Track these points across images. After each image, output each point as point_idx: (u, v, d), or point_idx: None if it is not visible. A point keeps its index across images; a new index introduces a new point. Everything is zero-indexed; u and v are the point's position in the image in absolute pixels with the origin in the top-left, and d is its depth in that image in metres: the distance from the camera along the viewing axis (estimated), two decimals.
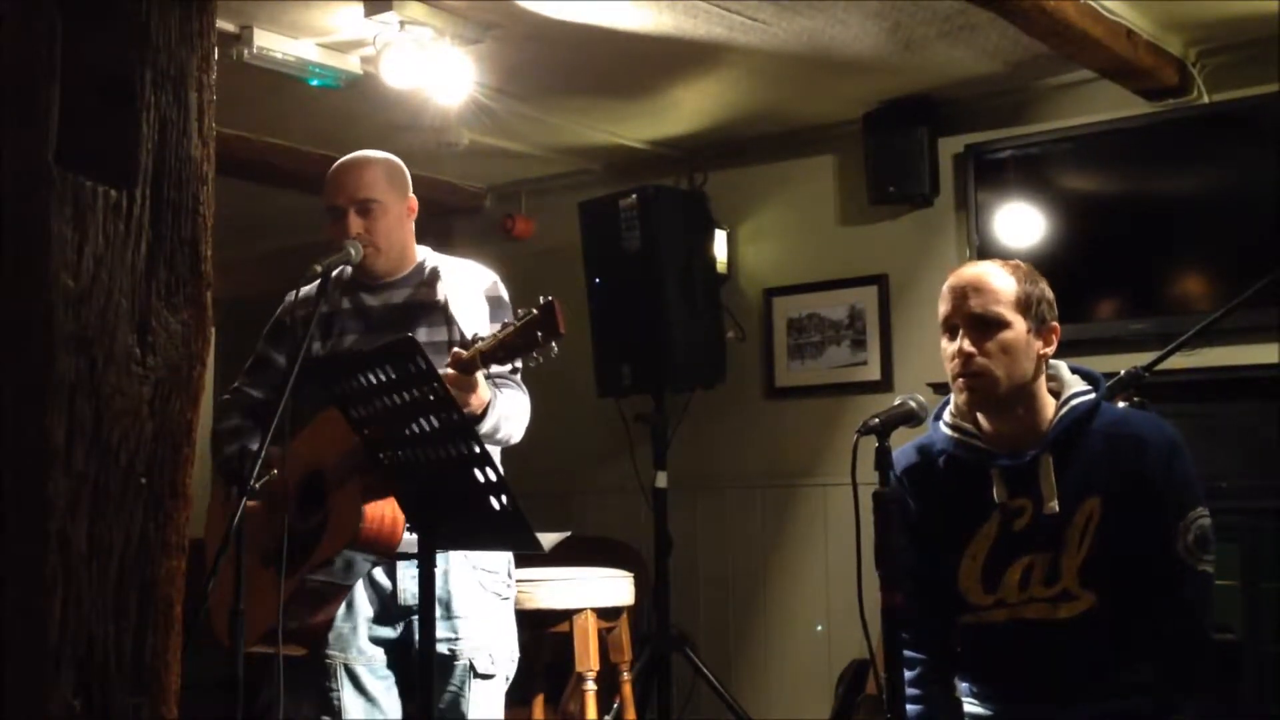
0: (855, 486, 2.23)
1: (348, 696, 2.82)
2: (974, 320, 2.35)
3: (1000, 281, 2.37)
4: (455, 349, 2.59)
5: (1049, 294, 2.41)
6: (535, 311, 2.47)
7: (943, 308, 2.40)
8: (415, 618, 2.80)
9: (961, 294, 2.38)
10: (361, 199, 2.85)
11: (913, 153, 4.70)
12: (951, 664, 2.47)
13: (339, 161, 2.94)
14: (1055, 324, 2.40)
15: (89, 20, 1.37)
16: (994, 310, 2.34)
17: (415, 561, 2.75)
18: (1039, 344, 2.37)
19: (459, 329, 2.83)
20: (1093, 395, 2.40)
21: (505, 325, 2.53)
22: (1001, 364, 2.33)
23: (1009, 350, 2.33)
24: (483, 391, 2.65)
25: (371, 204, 2.85)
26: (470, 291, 2.91)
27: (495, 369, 2.67)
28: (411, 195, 2.97)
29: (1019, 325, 2.35)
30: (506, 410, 2.78)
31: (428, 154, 4.95)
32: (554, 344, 2.47)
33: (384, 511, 2.65)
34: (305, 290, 2.91)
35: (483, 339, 2.57)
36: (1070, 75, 4.41)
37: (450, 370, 2.52)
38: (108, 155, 1.37)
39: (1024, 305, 2.36)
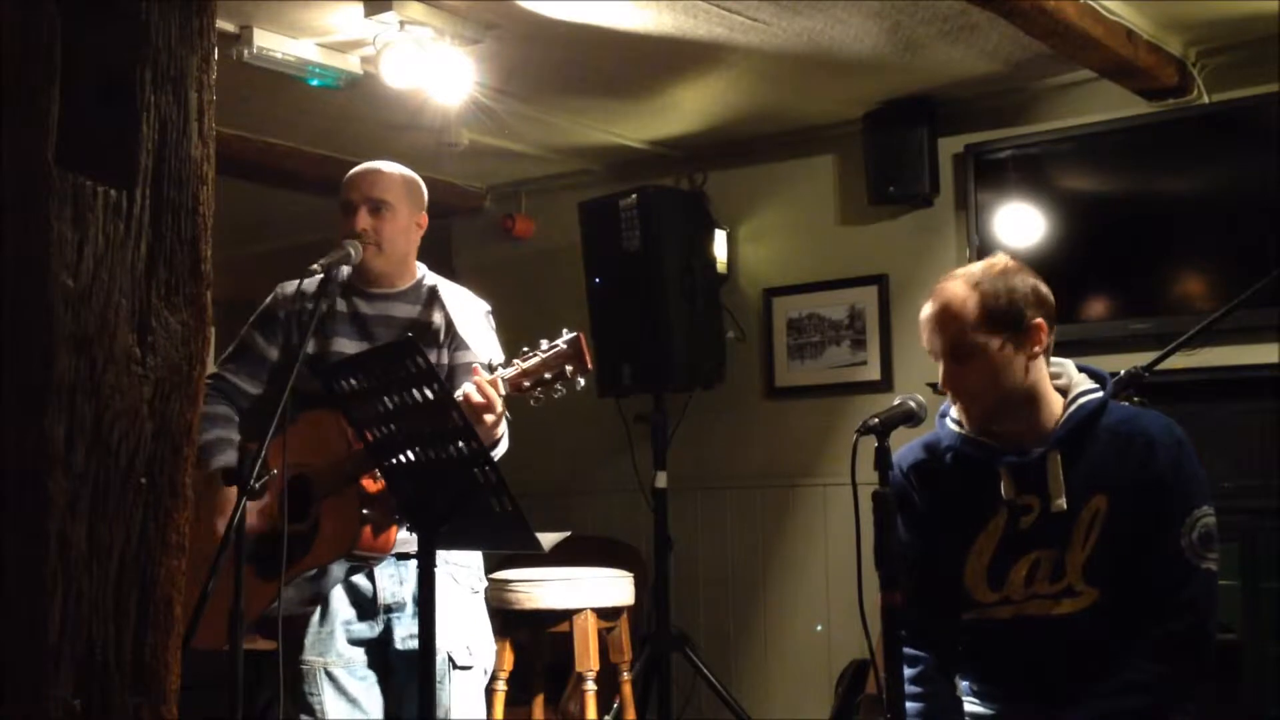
0: (855, 486, 2.23)
1: (328, 699, 2.83)
2: (949, 352, 2.35)
3: (963, 305, 2.33)
4: (476, 375, 2.61)
5: (1027, 289, 2.35)
6: (563, 345, 2.53)
7: (922, 334, 2.41)
8: (393, 615, 2.85)
9: (930, 328, 2.37)
10: (375, 198, 2.93)
11: (913, 153, 4.69)
12: (954, 663, 2.47)
13: (362, 164, 3.04)
14: (1039, 321, 2.35)
15: (89, 20, 1.37)
16: (962, 341, 2.33)
17: (394, 561, 2.82)
18: (1023, 349, 2.34)
19: (447, 352, 2.89)
20: (1100, 394, 2.40)
21: (527, 354, 2.58)
22: (986, 386, 2.34)
23: (989, 372, 2.33)
24: (502, 424, 2.70)
25: (383, 205, 2.93)
26: (474, 315, 2.97)
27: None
28: (424, 213, 3.05)
29: (992, 345, 2.32)
30: (504, 441, 2.83)
31: (428, 154, 4.95)
32: (580, 379, 2.53)
33: (378, 524, 2.67)
34: (299, 285, 2.91)
35: (501, 365, 2.61)
36: (1070, 75, 4.41)
37: (477, 398, 2.56)
38: (108, 155, 1.37)
39: (993, 320, 2.32)
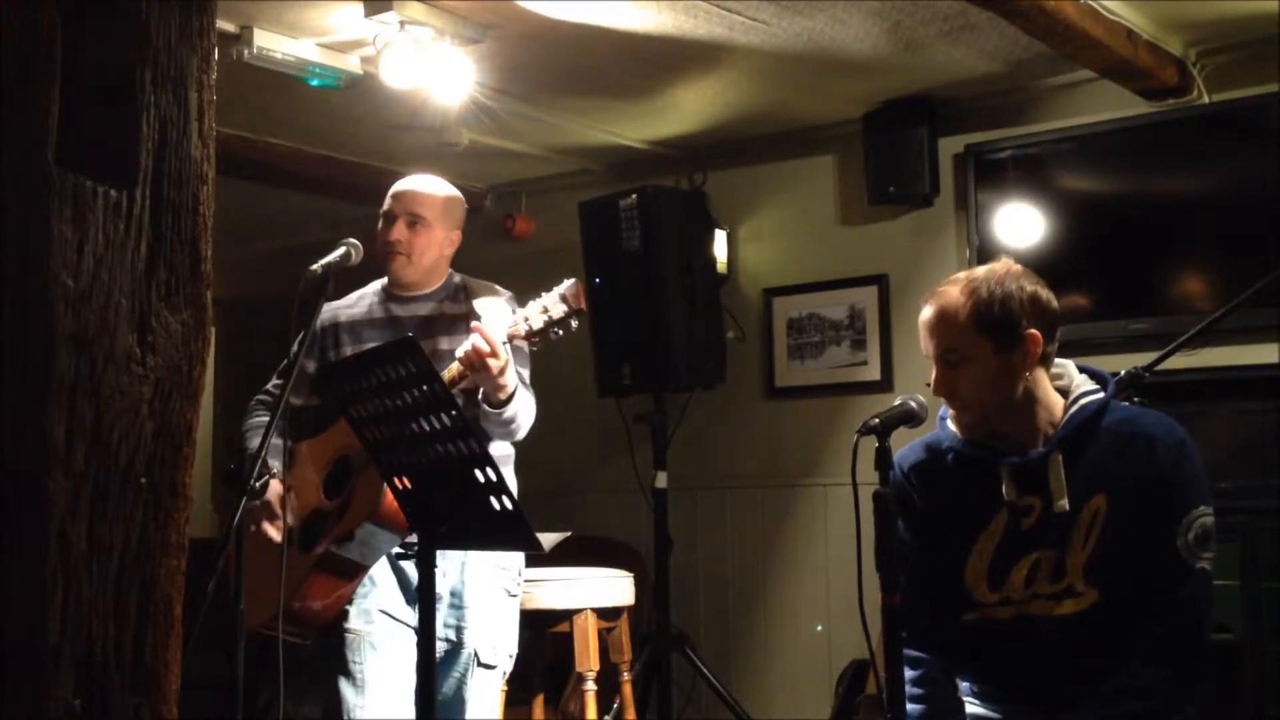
0: (855, 486, 2.23)
1: (370, 667, 2.92)
2: (940, 358, 2.35)
3: (953, 314, 2.33)
4: (475, 324, 2.77)
5: (1024, 298, 2.32)
6: (559, 291, 2.71)
7: (920, 338, 2.41)
8: (438, 606, 2.91)
9: (925, 332, 2.38)
10: (413, 212, 3.12)
11: (913, 153, 4.69)
12: (954, 664, 2.47)
13: (411, 176, 3.23)
14: (1032, 331, 2.32)
15: (89, 20, 1.37)
16: (952, 348, 2.33)
17: (442, 553, 2.90)
18: (1015, 358, 2.33)
19: None
20: (1101, 394, 2.39)
21: (528, 304, 2.75)
22: (974, 391, 2.33)
23: (977, 381, 2.33)
24: (510, 376, 2.81)
25: (419, 220, 3.12)
26: (497, 303, 3.09)
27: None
28: (458, 230, 3.22)
29: (981, 353, 2.31)
30: (523, 404, 2.93)
31: (428, 154, 4.95)
32: (574, 321, 2.70)
33: None
34: (337, 302, 3.15)
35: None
36: (1070, 75, 4.41)
37: (481, 345, 2.71)
38: (108, 155, 1.37)
39: (983, 327, 2.31)
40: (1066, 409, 2.38)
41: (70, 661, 1.30)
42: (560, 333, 2.73)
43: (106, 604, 1.33)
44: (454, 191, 3.24)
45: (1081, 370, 2.45)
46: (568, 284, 2.72)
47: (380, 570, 2.96)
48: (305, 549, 2.86)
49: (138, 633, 1.35)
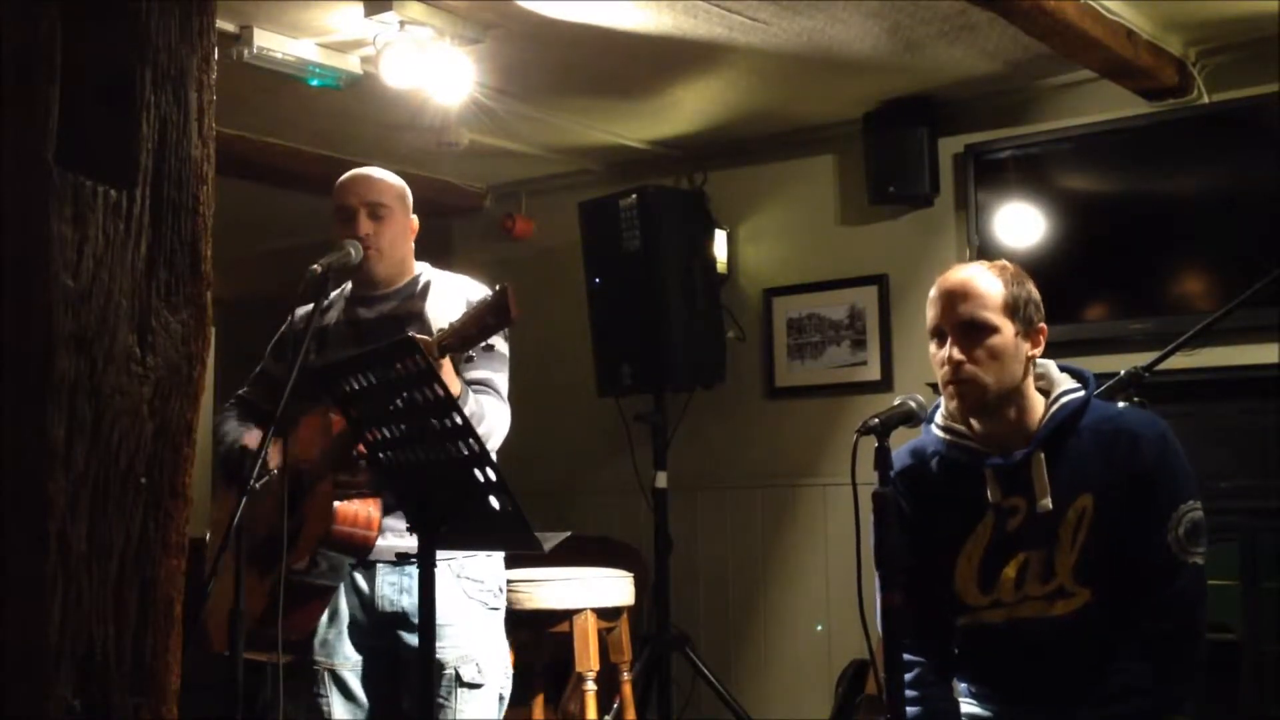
0: (855, 486, 2.23)
1: (335, 702, 2.83)
2: (962, 326, 2.34)
3: (988, 285, 2.35)
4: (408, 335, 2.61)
5: (1036, 295, 2.40)
6: (488, 298, 2.52)
7: (930, 313, 2.39)
8: (399, 624, 2.82)
9: (949, 300, 2.36)
10: (373, 201, 2.94)
11: (913, 153, 4.70)
12: (950, 666, 2.47)
13: (353, 170, 3.05)
14: (1043, 325, 2.39)
15: (89, 20, 1.37)
16: (982, 315, 2.33)
17: (395, 568, 2.80)
18: (1027, 346, 2.36)
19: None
20: (1082, 393, 2.40)
21: (463, 313, 2.57)
22: (991, 369, 2.33)
23: (998, 355, 2.33)
24: (451, 381, 2.64)
25: (382, 208, 2.94)
26: (456, 302, 2.92)
27: (477, 375, 2.78)
28: (414, 216, 3.06)
29: (1007, 330, 2.33)
30: (474, 410, 2.74)
31: (428, 154, 4.95)
32: (505, 329, 2.57)
33: (356, 510, 2.66)
34: (311, 306, 2.93)
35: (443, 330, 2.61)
36: (1070, 75, 4.41)
37: None
38: (108, 155, 1.37)
39: (1012, 308, 2.34)
40: (1047, 408, 2.38)
41: (70, 661, 1.30)
42: (492, 346, 2.68)
43: (106, 604, 1.33)
44: (399, 178, 3.05)
45: (1063, 369, 2.46)
46: (497, 290, 2.51)
47: (340, 595, 2.83)
48: (262, 575, 2.69)
49: (138, 633, 1.35)
